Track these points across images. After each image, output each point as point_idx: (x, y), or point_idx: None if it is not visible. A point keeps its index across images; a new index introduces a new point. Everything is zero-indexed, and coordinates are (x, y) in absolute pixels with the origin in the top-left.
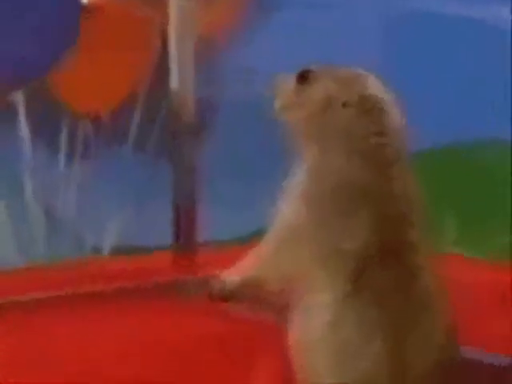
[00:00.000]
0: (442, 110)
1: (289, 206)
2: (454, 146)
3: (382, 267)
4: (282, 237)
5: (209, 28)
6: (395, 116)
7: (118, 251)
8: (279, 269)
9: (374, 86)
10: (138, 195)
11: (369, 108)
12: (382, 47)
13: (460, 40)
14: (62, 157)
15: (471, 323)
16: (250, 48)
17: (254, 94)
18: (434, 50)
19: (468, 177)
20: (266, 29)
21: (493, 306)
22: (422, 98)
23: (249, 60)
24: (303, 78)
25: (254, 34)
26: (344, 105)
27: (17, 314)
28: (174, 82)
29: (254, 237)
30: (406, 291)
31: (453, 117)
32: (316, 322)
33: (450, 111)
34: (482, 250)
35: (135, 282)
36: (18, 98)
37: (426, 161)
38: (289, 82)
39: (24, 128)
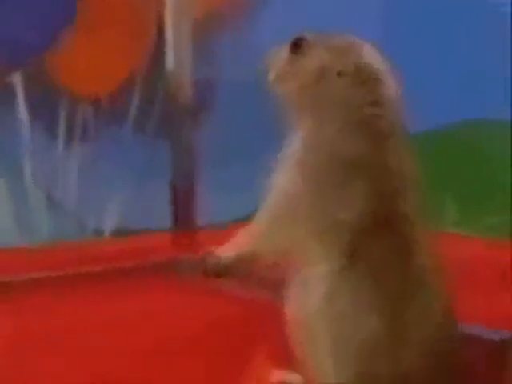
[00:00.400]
0: (439, 91)
1: (283, 176)
2: (448, 127)
3: (377, 239)
4: (276, 209)
5: (209, 7)
6: (391, 87)
7: (118, 233)
8: (274, 242)
9: (370, 56)
10: (139, 176)
11: (364, 78)
12: (381, 26)
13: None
14: (61, 139)
15: (471, 300)
16: (251, 27)
17: (255, 74)
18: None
19: (464, 157)
20: (267, 7)
21: (492, 282)
22: (422, 79)
23: (250, 39)
24: (296, 46)
25: (255, 13)
26: (339, 74)
27: (20, 293)
28: (169, 63)
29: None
30: (402, 265)
31: (446, 99)
32: (312, 296)
33: (446, 92)
34: (478, 228)
35: (135, 261)
36: (16, 79)
37: (424, 142)
38: (282, 52)
39: (23, 110)
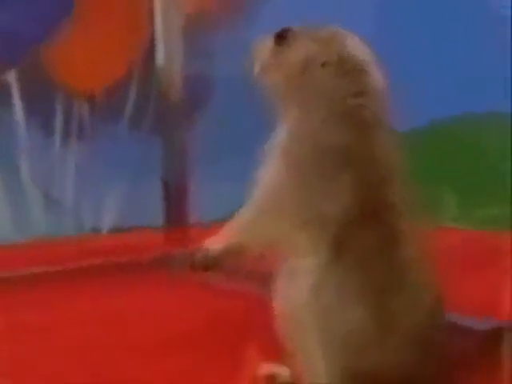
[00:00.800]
0: (438, 84)
1: (269, 167)
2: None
3: (364, 230)
4: (262, 200)
5: (203, 3)
6: (375, 77)
7: (114, 229)
8: (261, 234)
9: (354, 46)
10: (135, 173)
11: (348, 68)
12: (383, 24)
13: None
14: (57, 136)
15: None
16: (246, 23)
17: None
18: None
19: (463, 150)
20: (262, 4)
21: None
22: (422, 73)
23: (244, 36)
24: (281, 38)
25: (250, 10)
26: (323, 65)
27: (17, 288)
28: (159, 59)
29: None
30: (389, 256)
31: (445, 93)
32: (299, 288)
33: (445, 86)
34: (478, 221)
35: (128, 257)
36: (11, 77)
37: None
38: (267, 43)
39: (18, 108)
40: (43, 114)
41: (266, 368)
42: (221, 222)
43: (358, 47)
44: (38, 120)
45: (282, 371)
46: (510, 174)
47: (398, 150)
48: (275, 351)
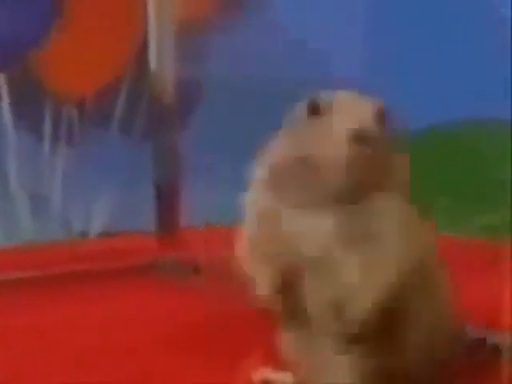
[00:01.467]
0: (436, 90)
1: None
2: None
3: None
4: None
5: (197, 8)
6: None
7: (104, 234)
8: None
9: None
10: (125, 178)
11: None
12: (382, 27)
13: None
14: (47, 141)
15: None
16: (238, 30)
17: (241, 75)
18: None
19: (461, 156)
20: (255, 9)
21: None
22: (422, 79)
23: (236, 41)
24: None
25: (243, 15)
26: None
27: (6, 292)
28: (152, 63)
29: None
30: None
31: (443, 97)
32: None
33: (443, 91)
34: (463, 229)
35: (118, 262)
36: (1, 81)
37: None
38: None
39: (7, 112)
40: (32, 118)
41: (262, 373)
42: (213, 226)
43: None
44: (27, 124)
45: (285, 377)
46: (509, 181)
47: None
48: (272, 357)
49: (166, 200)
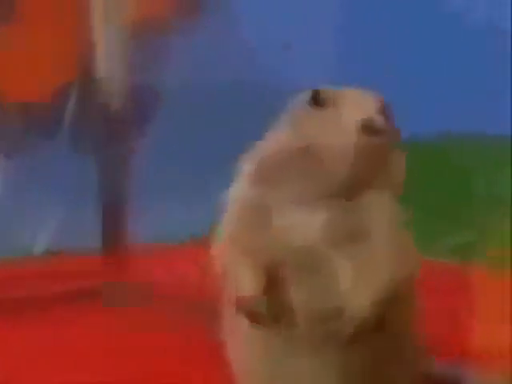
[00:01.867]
0: (421, 102)
1: None
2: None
3: None
4: None
5: (151, 9)
6: None
7: (49, 253)
8: None
9: None
10: (70, 194)
11: None
12: (375, 35)
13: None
14: None
15: None
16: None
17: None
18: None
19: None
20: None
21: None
22: (415, 88)
23: (197, 46)
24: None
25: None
26: None
27: None
28: (100, 67)
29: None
30: None
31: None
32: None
33: (426, 104)
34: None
35: (62, 285)
36: None
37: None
38: None
39: None
40: None
41: None
42: (161, 243)
43: None
44: None
45: None
46: (484, 199)
47: None
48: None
49: (113, 218)
